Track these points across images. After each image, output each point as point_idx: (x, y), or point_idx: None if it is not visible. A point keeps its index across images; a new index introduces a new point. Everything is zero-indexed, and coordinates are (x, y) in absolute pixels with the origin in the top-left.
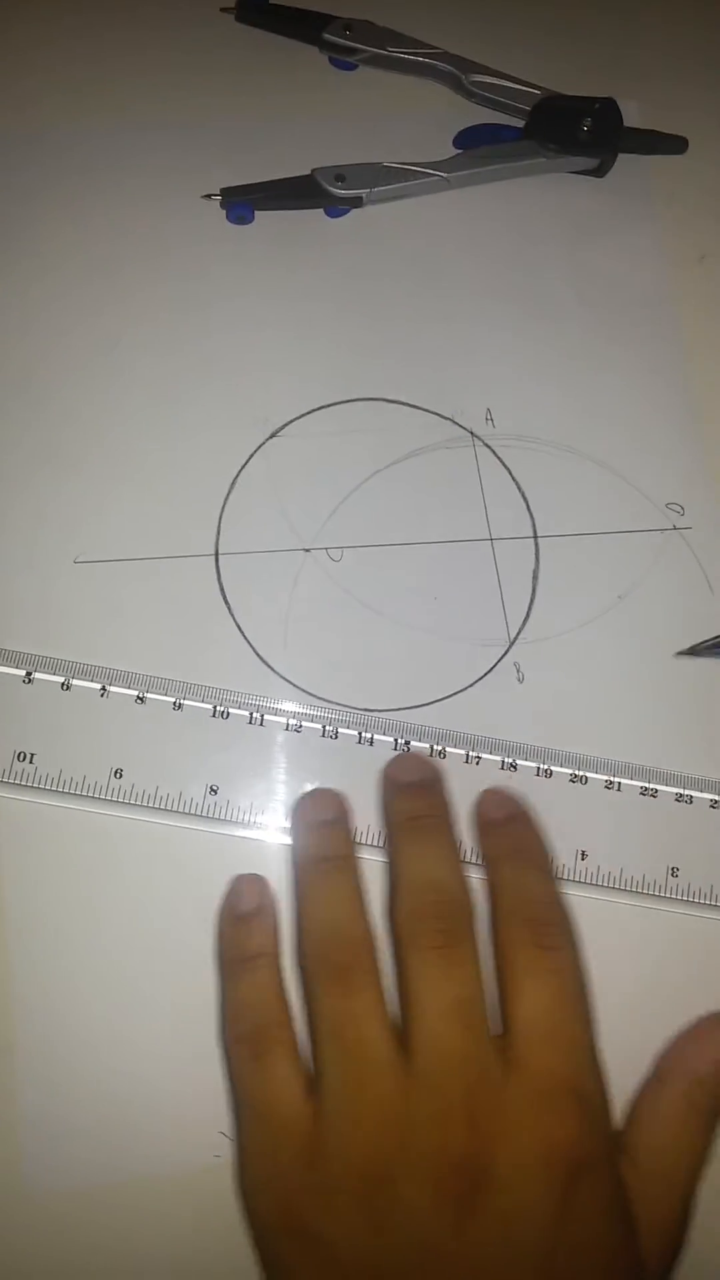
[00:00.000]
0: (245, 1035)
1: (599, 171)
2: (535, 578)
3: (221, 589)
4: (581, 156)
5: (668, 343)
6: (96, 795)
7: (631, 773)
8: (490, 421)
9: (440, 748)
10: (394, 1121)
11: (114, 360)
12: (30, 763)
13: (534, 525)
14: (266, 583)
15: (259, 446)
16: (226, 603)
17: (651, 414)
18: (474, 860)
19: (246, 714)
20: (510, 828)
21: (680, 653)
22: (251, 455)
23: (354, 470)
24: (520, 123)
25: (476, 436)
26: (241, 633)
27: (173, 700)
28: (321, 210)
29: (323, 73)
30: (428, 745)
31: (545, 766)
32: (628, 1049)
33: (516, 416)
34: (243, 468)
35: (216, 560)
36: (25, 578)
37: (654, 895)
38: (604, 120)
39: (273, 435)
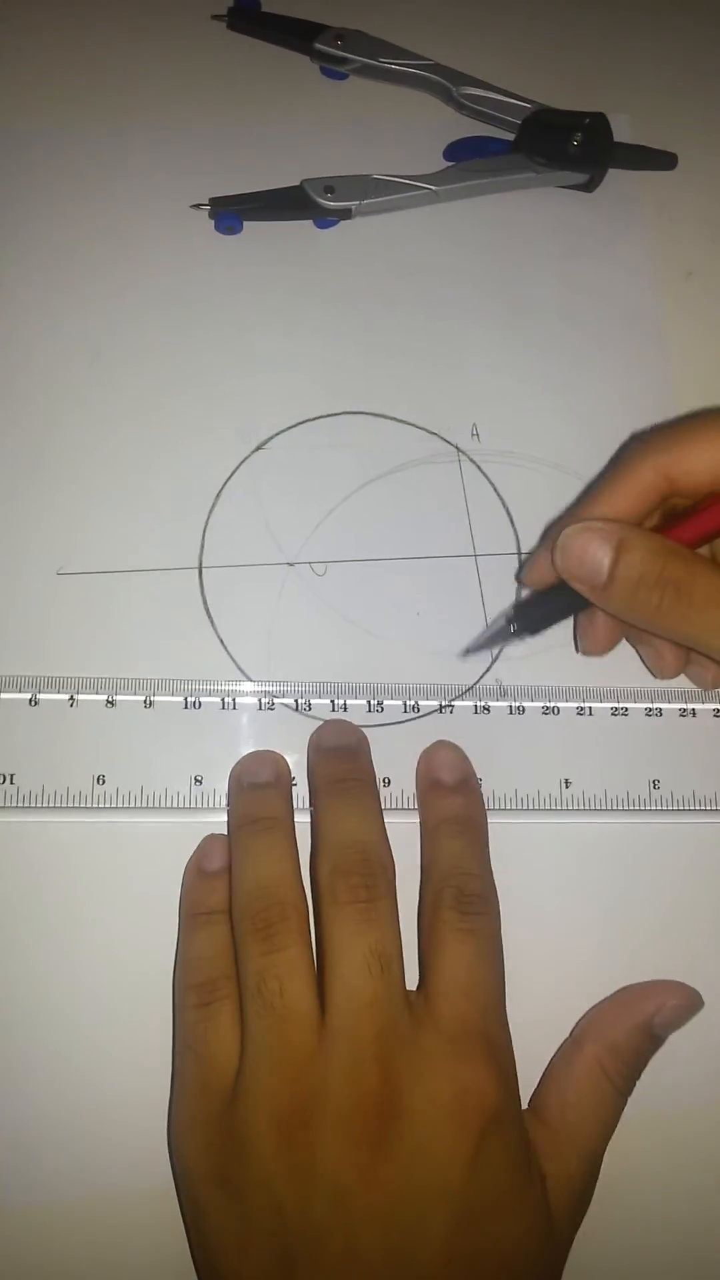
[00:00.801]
0: (195, 984)
1: (588, 186)
2: (519, 594)
3: (205, 602)
4: (571, 171)
5: (655, 359)
6: (82, 805)
7: (601, 695)
8: (476, 437)
9: (413, 702)
10: (308, 1068)
11: (98, 370)
12: (10, 783)
13: (518, 541)
14: (250, 596)
15: (244, 459)
16: (210, 616)
17: (637, 431)
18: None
19: (218, 700)
20: (457, 795)
21: (461, 654)
22: (236, 468)
23: (339, 484)
24: (510, 136)
25: (462, 452)
26: (224, 646)
27: (142, 699)
28: (310, 221)
29: (314, 82)
30: (400, 701)
31: (518, 704)
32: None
33: (503, 432)
34: (227, 481)
35: (200, 573)
36: (6, 589)
37: (639, 810)
38: (594, 135)
39: (258, 448)
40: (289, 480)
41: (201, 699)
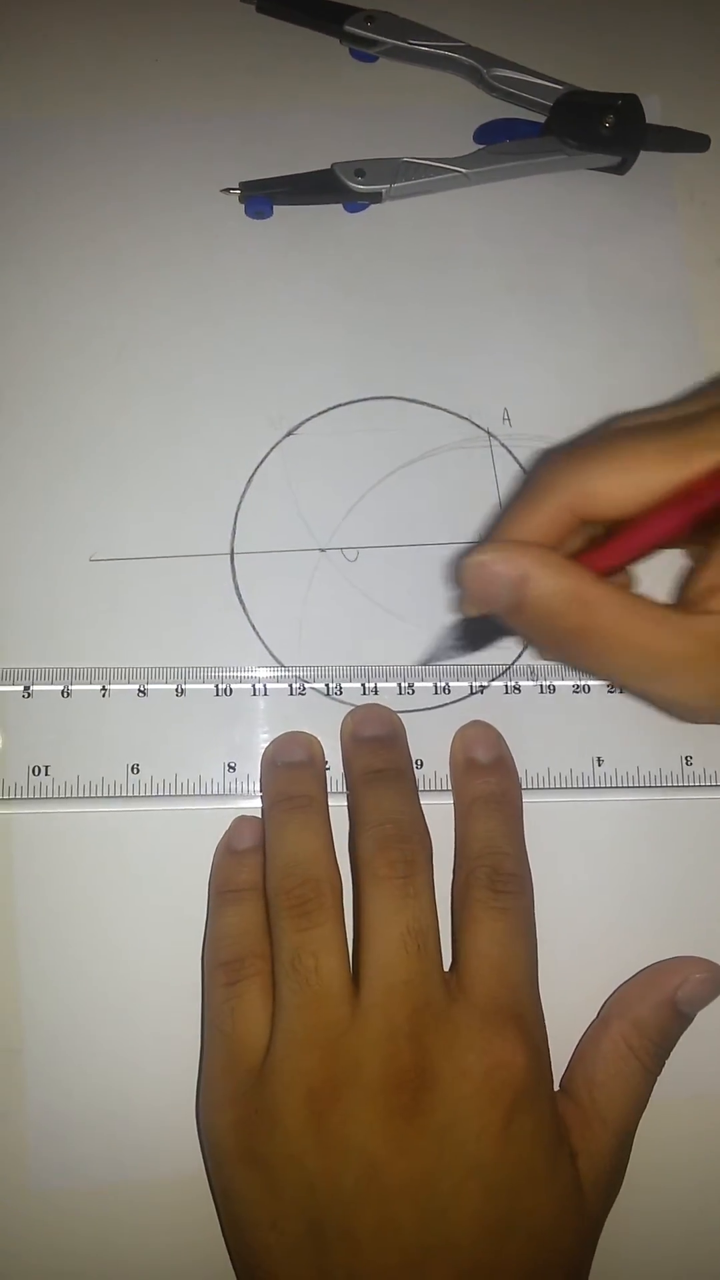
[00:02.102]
0: (223, 962)
1: (620, 169)
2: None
3: (236, 588)
4: (602, 154)
5: (685, 343)
6: (117, 794)
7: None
8: (507, 421)
9: (445, 684)
10: (341, 1043)
11: (130, 356)
12: (46, 775)
13: None
14: (281, 582)
15: (275, 445)
16: (241, 601)
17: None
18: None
19: (249, 686)
20: (492, 774)
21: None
22: (268, 454)
23: (370, 470)
24: (541, 118)
25: (493, 436)
26: (256, 632)
27: (174, 687)
28: (340, 205)
29: (343, 64)
30: (431, 684)
31: (548, 684)
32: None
33: (533, 416)
34: (258, 466)
35: (232, 559)
36: (41, 575)
37: (673, 786)
38: (626, 117)
39: (289, 434)
40: (320, 466)
41: (233, 686)
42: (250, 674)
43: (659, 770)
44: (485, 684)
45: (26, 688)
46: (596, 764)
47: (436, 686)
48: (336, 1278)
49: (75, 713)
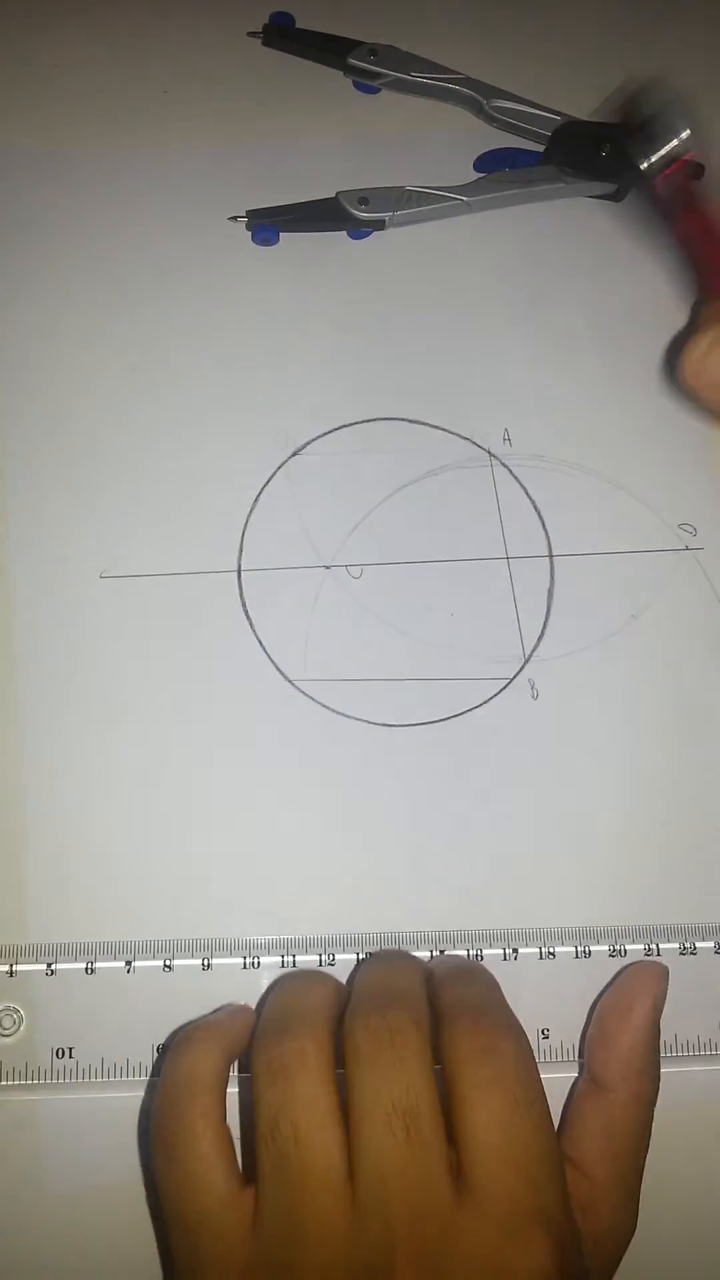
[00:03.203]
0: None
1: (616, 196)
2: (550, 596)
3: (244, 604)
4: (600, 181)
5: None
6: (143, 1076)
7: (667, 935)
8: (508, 441)
9: (478, 950)
10: (334, 1251)
11: (138, 377)
12: (70, 1057)
13: (549, 544)
14: (287, 598)
15: (281, 465)
16: (248, 618)
17: (665, 436)
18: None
19: (278, 959)
20: (460, 972)
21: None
22: (274, 473)
23: (374, 489)
24: (540, 147)
25: (494, 456)
26: (263, 647)
27: (200, 961)
28: (345, 233)
29: (347, 96)
30: (465, 949)
31: (584, 947)
32: None
33: (534, 437)
34: (265, 485)
35: (239, 576)
36: (53, 592)
37: (708, 1055)
38: (621, 146)
39: (294, 454)
40: (325, 485)
41: (260, 958)
42: (278, 945)
43: (696, 1038)
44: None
45: (50, 965)
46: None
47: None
48: None
49: (99, 990)
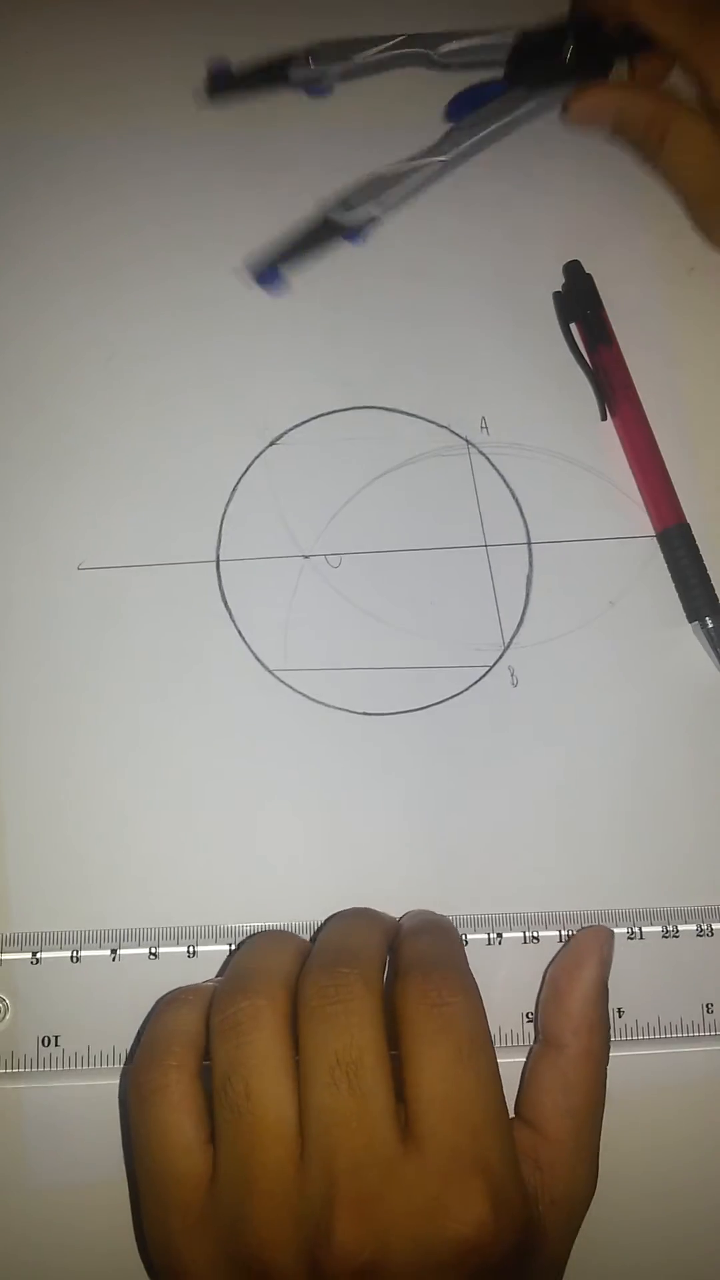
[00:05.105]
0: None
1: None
2: (529, 583)
3: (223, 594)
4: (572, 84)
5: (658, 352)
6: (130, 1064)
7: (651, 918)
8: (485, 429)
9: (498, 934)
10: (282, 1201)
11: (115, 367)
12: (56, 1045)
13: (528, 531)
14: (267, 589)
15: (259, 454)
16: (228, 608)
17: None
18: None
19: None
20: (422, 927)
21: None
22: (252, 462)
23: (352, 478)
24: (501, 74)
25: (472, 444)
26: (243, 638)
27: (185, 948)
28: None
29: (302, 107)
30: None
31: (568, 931)
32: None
33: (511, 424)
34: (243, 475)
35: (218, 566)
36: (29, 583)
37: (691, 1037)
38: (584, 40)
39: (272, 443)
40: (303, 474)
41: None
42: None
43: (679, 1019)
44: (501, 933)
45: (35, 954)
46: (617, 1015)
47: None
48: None
49: (85, 979)
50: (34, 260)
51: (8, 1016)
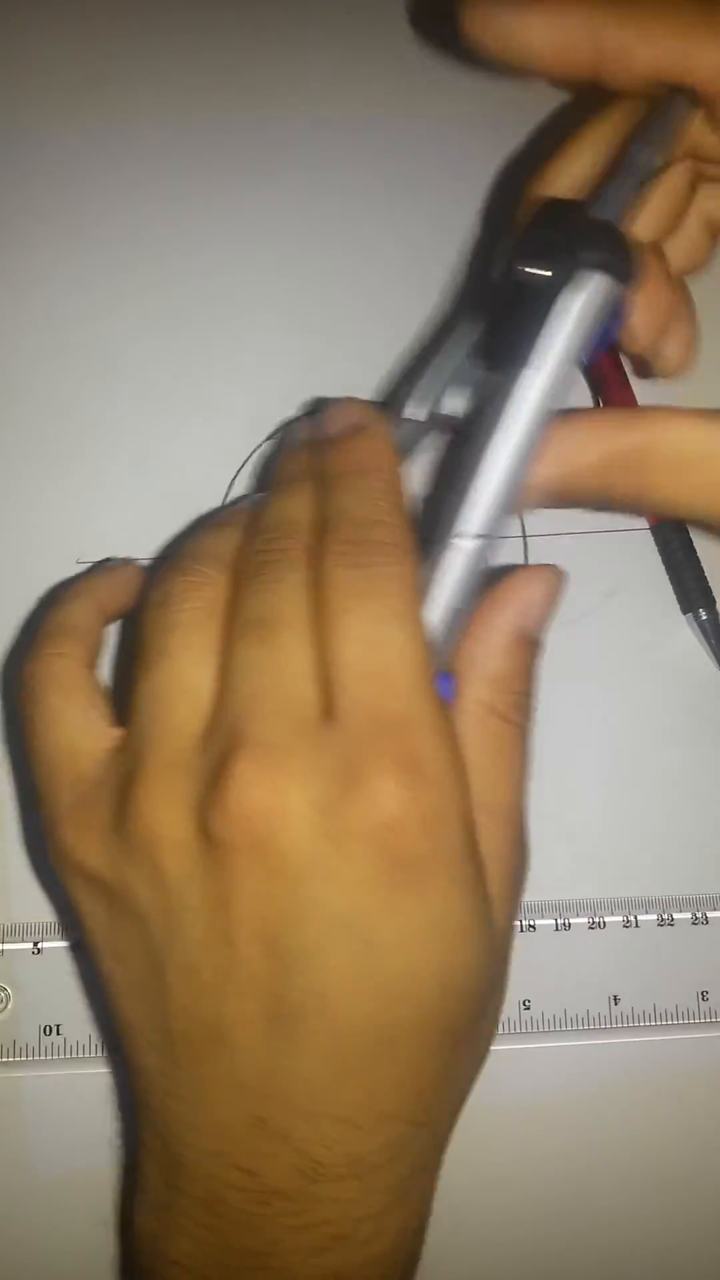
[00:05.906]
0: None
1: None
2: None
3: None
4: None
5: None
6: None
7: (645, 906)
8: None
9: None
10: (180, 759)
11: (114, 360)
12: (58, 1034)
13: (523, 524)
14: None
15: (256, 449)
16: None
17: None
18: None
19: None
20: (348, 443)
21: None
22: (249, 457)
23: None
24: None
25: None
26: None
27: None
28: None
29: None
30: None
31: (563, 920)
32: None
33: None
34: (240, 469)
35: None
36: (30, 577)
37: (686, 1024)
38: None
39: (269, 438)
40: None
41: None
42: None
43: (674, 1007)
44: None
45: (36, 944)
46: (613, 1003)
47: None
48: (178, 1022)
49: (85, 968)
50: (27, 252)
51: (9, 1006)
